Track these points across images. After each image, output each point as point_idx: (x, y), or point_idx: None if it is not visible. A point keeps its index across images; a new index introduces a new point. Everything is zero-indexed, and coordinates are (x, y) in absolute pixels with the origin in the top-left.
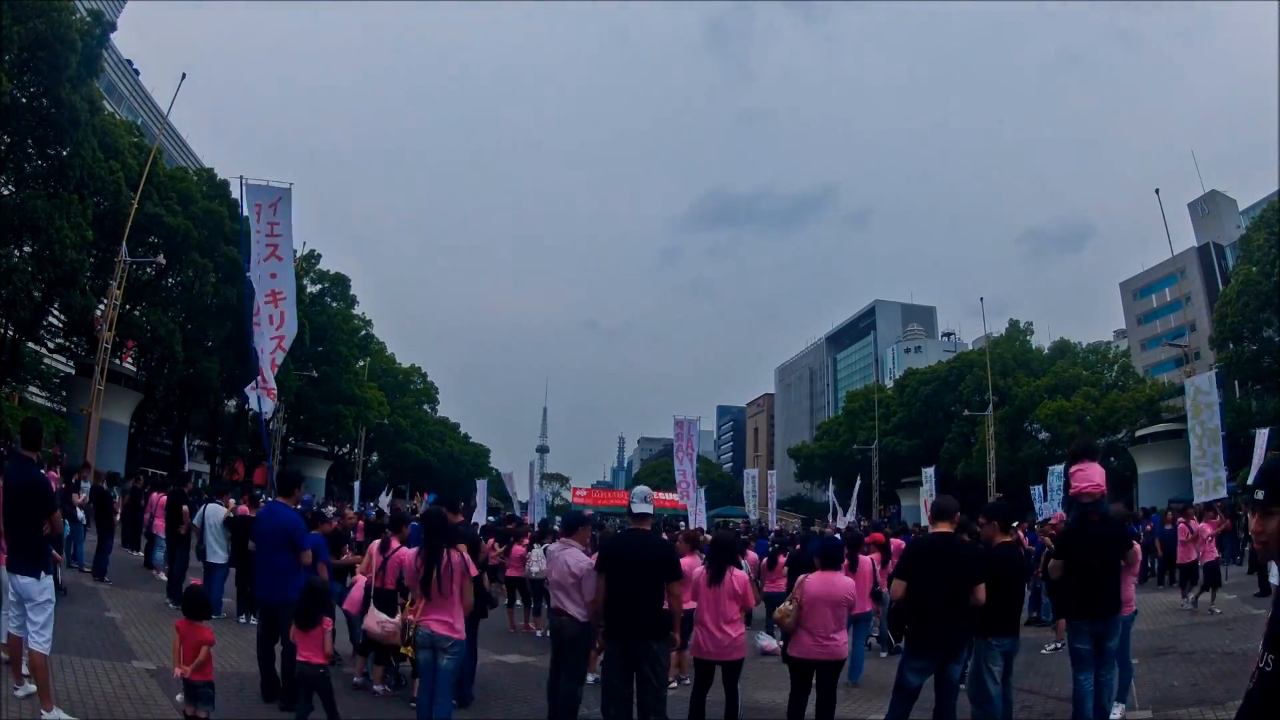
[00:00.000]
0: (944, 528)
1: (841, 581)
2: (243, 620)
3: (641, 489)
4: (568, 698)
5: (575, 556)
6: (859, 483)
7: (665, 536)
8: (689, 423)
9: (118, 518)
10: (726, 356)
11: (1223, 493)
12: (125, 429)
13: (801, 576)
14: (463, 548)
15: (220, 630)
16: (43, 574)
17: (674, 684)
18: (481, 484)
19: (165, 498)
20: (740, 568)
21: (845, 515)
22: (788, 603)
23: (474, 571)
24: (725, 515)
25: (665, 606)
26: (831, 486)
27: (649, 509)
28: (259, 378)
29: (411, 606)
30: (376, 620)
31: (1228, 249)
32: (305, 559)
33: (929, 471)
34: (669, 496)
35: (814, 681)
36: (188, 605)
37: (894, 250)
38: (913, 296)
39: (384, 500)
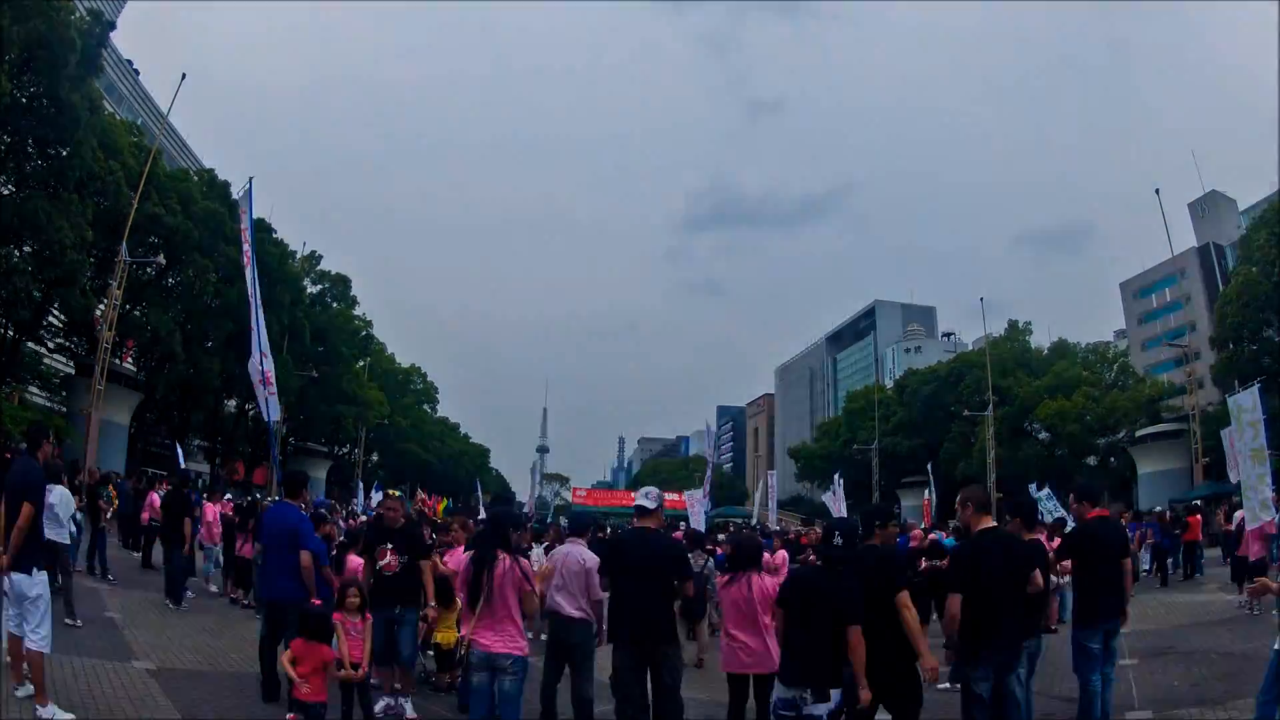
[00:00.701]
0: (988, 522)
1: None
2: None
3: (645, 490)
4: (583, 704)
5: (583, 552)
6: (838, 479)
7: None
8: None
9: (108, 516)
10: (726, 356)
11: (1271, 514)
12: (125, 429)
13: None
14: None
15: (224, 629)
16: (35, 570)
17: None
18: (479, 484)
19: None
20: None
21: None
22: None
23: (534, 583)
24: (725, 515)
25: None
26: (839, 486)
27: (652, 505)
28: (265, 379)
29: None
30: None
31: (1228, 249)
32: (304, 560)
33: (929, 467)
34: (668, 497)
35: None
36: (308, 626)
37: (894, 250)
38: (913, 296)
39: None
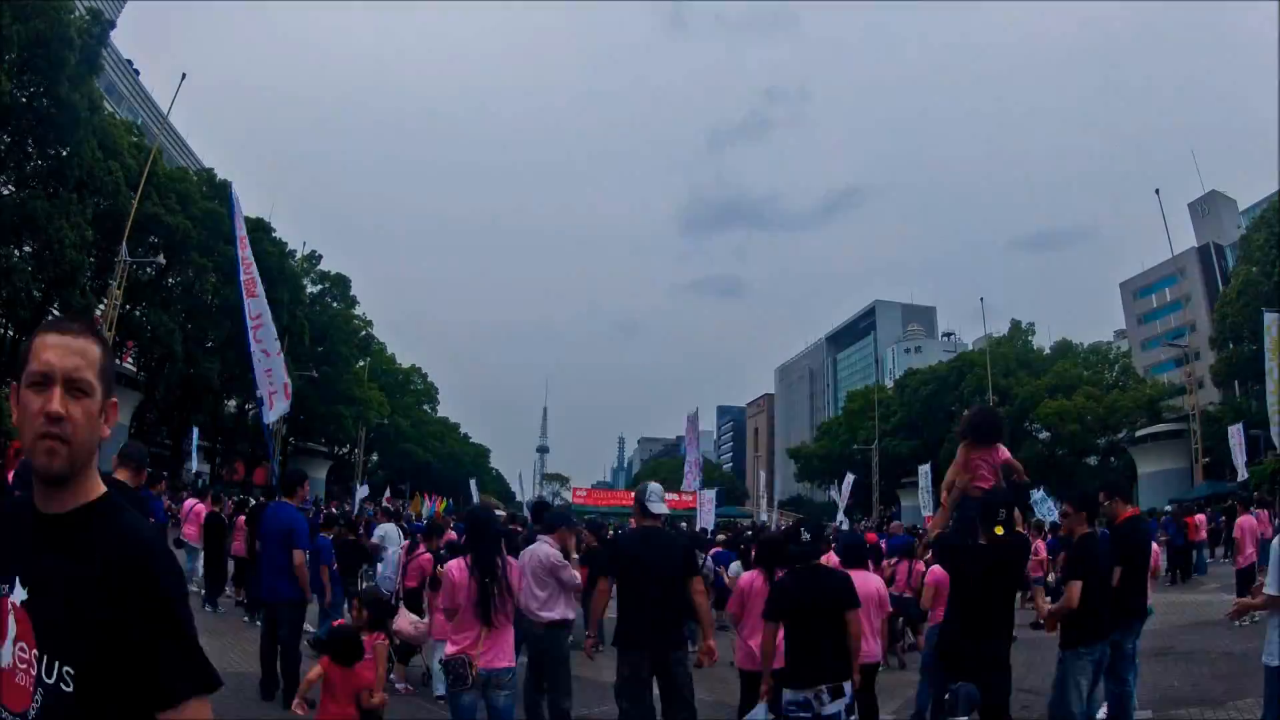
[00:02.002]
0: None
1: (872, 580)
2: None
3: (655, 487)
4: (561, 716)
5: (546, 550)
6: (848, 479)
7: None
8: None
9: None
10: (727, 356)
11: None
12: (125, 429)
13: None
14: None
15: (224, 629)
16: None
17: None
18: (472, 483)
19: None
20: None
21: (839, 516)
22: None
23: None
24: (725, 516)
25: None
26: (848, 484)
27: (664, 509)
28: (270, 380)
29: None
30: (409, 621)
31: (1228, 249)
32: (296, 560)
33: (924, 469)
34: (669, 496)
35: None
36: (336, 648)
37: (894, 250)
38: (913, 296)
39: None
